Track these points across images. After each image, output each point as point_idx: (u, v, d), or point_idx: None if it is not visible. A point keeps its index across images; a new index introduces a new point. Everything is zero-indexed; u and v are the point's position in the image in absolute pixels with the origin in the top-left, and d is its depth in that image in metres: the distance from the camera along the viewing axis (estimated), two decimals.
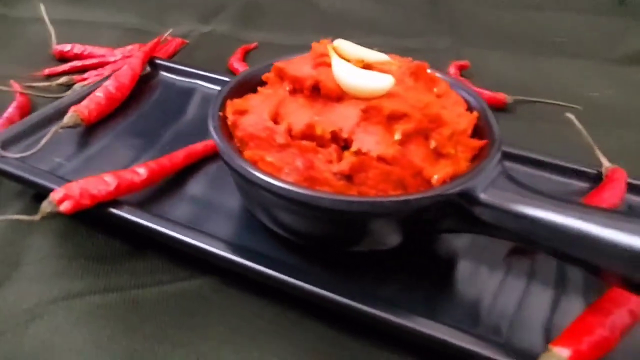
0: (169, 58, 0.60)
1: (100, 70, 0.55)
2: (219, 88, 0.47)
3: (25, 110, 0.48)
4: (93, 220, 0.36)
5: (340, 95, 0.29)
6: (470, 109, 0.33)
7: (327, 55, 0.30)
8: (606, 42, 0.68)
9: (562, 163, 0.40)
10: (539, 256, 0.33)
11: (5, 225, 0.36)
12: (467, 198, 0.26)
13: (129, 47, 0.59)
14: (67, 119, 0.40)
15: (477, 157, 0.29)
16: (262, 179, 0.26)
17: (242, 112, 0.30)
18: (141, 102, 0.47)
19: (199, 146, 0.39)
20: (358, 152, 0.26)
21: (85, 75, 0.54)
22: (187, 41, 0.63)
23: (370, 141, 0.27)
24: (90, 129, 0.43)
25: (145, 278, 0.33)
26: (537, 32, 0.70)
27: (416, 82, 0.32)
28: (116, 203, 0.33)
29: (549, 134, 0.49)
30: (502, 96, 0.52)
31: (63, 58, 0.59)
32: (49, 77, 0.55)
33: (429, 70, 0.34)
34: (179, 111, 0.46)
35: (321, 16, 0.73)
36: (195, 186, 0.37)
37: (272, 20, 0.71)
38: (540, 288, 0.31)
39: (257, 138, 0.28)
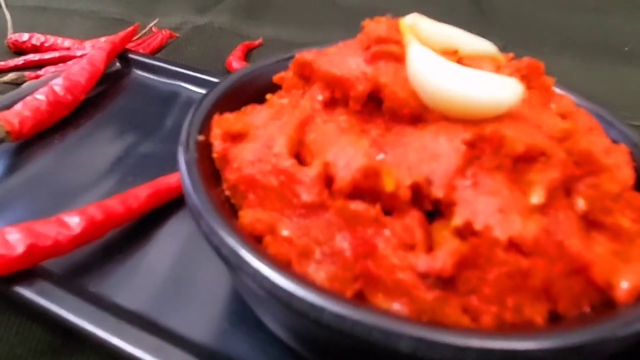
0: (153, 52, 0.46)
1: (61, 67, 0.42)
2: None
3: None
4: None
5: (418, 114, 0.15)
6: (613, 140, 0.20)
7: (390, 40, 0.16)
8: None
9: None
10: None
11: None
12: None
13: (102, 39, 0.45)
14: None
15: None
16: (263, 277, 0.13)
17: (237, 137, 0.17)
18: (103, 110, 0.33)
19: (171, 179, 0.25)
20: (466, 229, 0.13)
21: (41, 72, 0.41)
22: (177, 34, 0.50)
23: (489, 207, 0.13)
24: (23, 146, 0.29)
25: None
26: (606, 38, 0.57)
27: (530, 94, 0.19)
28: (27, 276, 0.20)
29: None
30: None
31: (20, 50, 0.45)
32: None
33: None
34: (155, 123, 0.33)
35: (339, 10, 0.60)
36: (162, 246, 0.23)
37: (280, 12, 0.58)
38: None
39: (264, 187, 0.15)
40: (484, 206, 0.13)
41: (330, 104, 0.16)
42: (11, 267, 0.19)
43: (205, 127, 0.18)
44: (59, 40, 0.45)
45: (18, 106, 0.29)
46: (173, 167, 0.24)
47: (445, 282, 0.13)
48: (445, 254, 0.12)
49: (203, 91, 0.35)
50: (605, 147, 0.18)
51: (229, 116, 0.17)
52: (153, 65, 0.37)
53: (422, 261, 0.12)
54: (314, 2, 0.61)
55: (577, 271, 0.13)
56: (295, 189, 0.14)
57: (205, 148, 0.17)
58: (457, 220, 0.13)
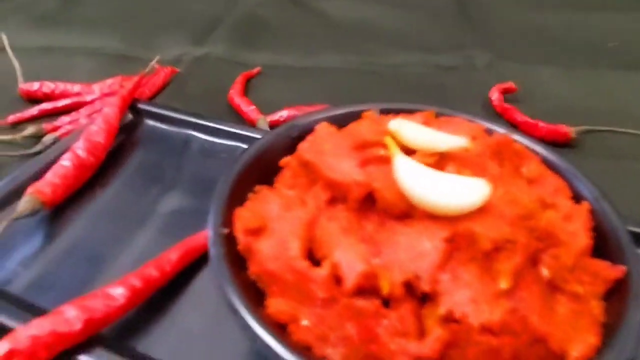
0: (159, 91, 0.49)
1: (74, 115, 0.44)
2: (219, 141, 0.37)
3: None
4: None
5: (405, 211, 0.18)
6: (576, 197, 0.23)
7: (379, 144, 0.19)
8: None
9: None
10: None
11: None
12: None
13: (108, 81, 0.48)
14: (23, 205, 0.30)
15: (613, 294, 0.19)
16: None
17: (257, 232, 0.20)
18: (123, 166, 0.36)
19: (199, 238, 0.28)
20: (448, 318, 0.16)
21: (57, 122, 0.44)
22: (179, 69, 0.52)
23: (465, 297, 0.16)
24: (55, 213, 0.32)
25: None
26: (589, 38, 0.58)
27: (501, 166, 0.22)
28: (85, 345, 0.23)
29: (632, 176, 0.38)
30: (565, 129, 0.40)
31: (31, 99, 0.48)
32: (15, 125, 0.45)
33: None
34: (173, 175, 0.35)
35: (334, 30, 0.61)
36: (194, 303, 0.26)
37: (276, 37, 0.59)
38: None
39: (284, 281, 0.18)
40: (461, 297, 0.16)
41: (332, 200, 0.20)
42: (72, 341, 0.23)
43: (227, 217, 0.21)
44: (68, 86, 0.48)
45: (48, 175, 0.32)
46: (196, 222, 0.27)
47: None
48: (432, 341, 0.16)
49: (213, 139, 0.38)
50: (566, 212, 0.21)
51: (246, 213, 0.20)
52: (162, 115, 0.40)
53: (414, 348, 0.16)
54: (311, 24, 0.62)
55: (538, 341, 0.17)
56: (310, 286, 0.17)
57: (230, 237, 0.21)
58: (442, 310, 0.16)
